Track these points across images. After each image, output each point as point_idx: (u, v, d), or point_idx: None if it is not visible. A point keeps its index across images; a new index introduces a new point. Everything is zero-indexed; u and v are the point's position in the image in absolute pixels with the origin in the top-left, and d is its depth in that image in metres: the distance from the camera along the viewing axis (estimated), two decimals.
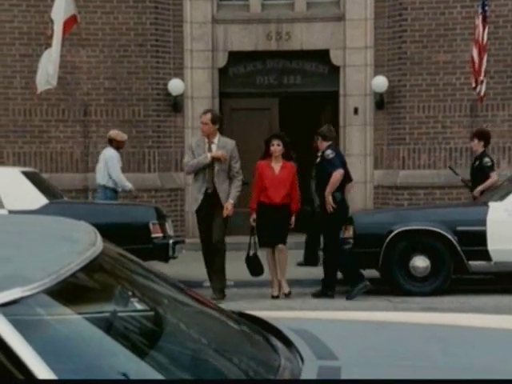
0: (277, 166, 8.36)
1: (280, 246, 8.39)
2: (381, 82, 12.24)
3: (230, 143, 8.34)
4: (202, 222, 8.31)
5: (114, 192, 10.13)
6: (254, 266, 8.50)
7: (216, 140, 8.22)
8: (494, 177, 9.48)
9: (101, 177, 10.09)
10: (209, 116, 8.26)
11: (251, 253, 8.51)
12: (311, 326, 2.67)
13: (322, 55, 12.80)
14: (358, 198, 12.42)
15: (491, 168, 9.53)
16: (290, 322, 2.70)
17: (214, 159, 8.16)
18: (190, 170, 8.40)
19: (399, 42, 12.35)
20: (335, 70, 12.88)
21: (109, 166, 9.97)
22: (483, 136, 9.85)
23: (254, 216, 8.42)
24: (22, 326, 1.73)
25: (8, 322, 1.70)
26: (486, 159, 9.56)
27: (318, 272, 9.47)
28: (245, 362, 2.27)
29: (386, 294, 8.39)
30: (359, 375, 2.17)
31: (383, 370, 2.24)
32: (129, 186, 10.22)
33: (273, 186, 8.28)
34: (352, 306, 7.72)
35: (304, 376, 2.10)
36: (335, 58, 12.77)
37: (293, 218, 8.43)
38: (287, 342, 2.42)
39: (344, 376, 2.12)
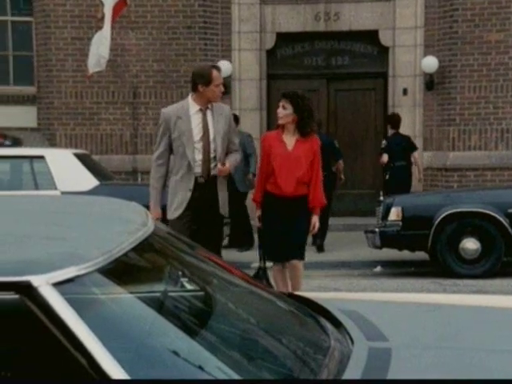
0: (290, 140, 5.77)
1: (294, 261, 5.86)
2: (431, 63, 12.05)
3: (227, 108, 5.81)
4: (185, 230, 5.30)
5: None
6: None
7: (209, 105, 5.54)
8: (382, 158, 10.56)
9: None
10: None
11: (260, 267, 6.24)
12: (361, 307, 2.67)
13: (371, 36, 12.64)
14: None
15: (383, 149, 10.59)
16: (340, 303, 2.70)
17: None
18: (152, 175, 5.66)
19: (450, 21, 12.12)
20: (384, 51, 12.72)
21: None
22: (389, 120, 11.08)
23: (259, 213, 5.92)
24: (77, 304, 1.77)
25: (64, 299, 1.74)
26: (383, 141, 10.78)
27: (365, 254, 9.46)
28: (294, 342, 2.28)
29: (436, 277, 8.32)
30: (410, 357, 2.16)
31: (434, 352, 2.22)
32: None
33: (283, 168, 5.71)
34: (401, 288, 7.68)
35: (354, 357, 2.10)
36: (384, 38, 12.60)
37: (314, 219, 5.82)
38: (337, 323, 2.42)
39: (395, 357, 2.11)
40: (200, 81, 5.47)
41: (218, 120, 5.50)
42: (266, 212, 5.85)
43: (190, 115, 5.47)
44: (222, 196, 5.52)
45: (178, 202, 5.44)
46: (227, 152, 5.56)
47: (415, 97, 12.51)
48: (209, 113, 5.50)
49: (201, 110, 5.49)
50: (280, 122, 5.79)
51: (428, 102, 12.45)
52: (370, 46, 12.85)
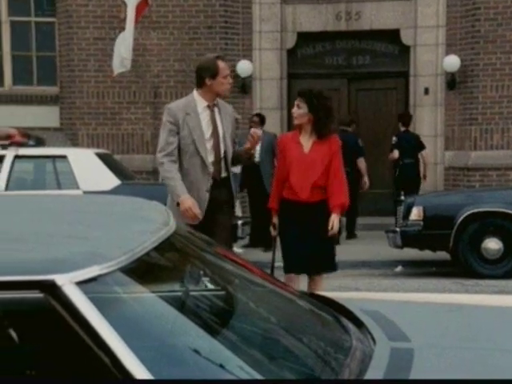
0: (307, 142, 5.31)
1: (317, 276, 5.39)
2: (453, 62, 11.99)
3: (231, 107, 5.50)
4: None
5: None
6: None
7: (216, 102, 5.22)
8: (393, 154, 10.89)
9: None
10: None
11: None
12: (382, 307, 2.66)
13: (393, 35, 12.59)
14: (428, 180, 12.23)
15: (394, 146, 10.89)
16: (361, 303, 2.69)
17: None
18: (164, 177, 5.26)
19: (472, 19, 12.04)
20: (406, 50, 12.66)
21: None
22: (401, 118, 11.28)
23: (276, 220, 5.44)
24: (100, 303, 1.78)
25: (87, 298, 1.75)
26: (393, 138, 11.07)
27: (385, 253, 9.42)
28: (315, 342, 2.28)
29: (458, 277, 8.27)
30: (432, 357, 2.15)
31: (456, 353, 2.22)
32: None
33: (298, 171, 5.25)
34: (423, 288, 7.64)
35: (376, 357, 2.09)
36: (406, 37, 12.55)
37: (333, 217, 5.19)
38: (358, 323, 2.42)
39: (417, 358, 2.10)
40: (206, 74, 5.10)
41: (226, 118, 5.19)
42: (283, 219, 5.37)
43: (199, 112, 5.11)
44: (235, 200, 5.27)
45: (198, 198, 5.01)
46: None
47: (437, 96, 12.44)
48: (216, 110, 5.16)
49: (208, 106, 5.14)
50: (295, 122, 5.38)
51: (450, 101, 12.38)
52: (391, 45, 12.80)
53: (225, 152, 5.11)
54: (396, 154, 10.85)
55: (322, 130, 5.26)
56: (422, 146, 11.12)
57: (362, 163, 10.87)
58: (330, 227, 5.18)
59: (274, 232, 5.46)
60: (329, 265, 5.38)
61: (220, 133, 5.12)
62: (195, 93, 5.20)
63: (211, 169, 5.05)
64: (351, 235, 11.03)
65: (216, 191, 5.07)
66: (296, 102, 5.33)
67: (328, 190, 5.24)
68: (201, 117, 5.09)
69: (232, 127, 5.21)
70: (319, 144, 5.27)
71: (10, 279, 1.76)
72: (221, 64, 5.14)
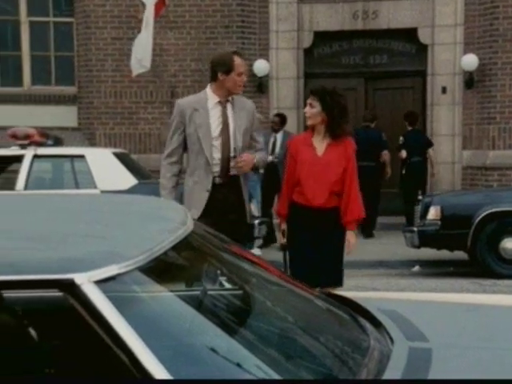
0: (320, 144, 4.93)
1: (329, 289, 4.49)
2: (471, 61, 11.92)
3: (250, 103, 5.10)
4: None
5: None
6: None
7: (230, 97, 4.89)
8: (401, 153, 11.05)
9: None
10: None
11: None
12: (400, 307, 2.66)
13: (410, 34, 12.54)
14: (446, 179, 12.18)
15: (401, 145, 11.07)
16: (379, 303, 2.68)
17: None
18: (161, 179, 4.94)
19: (491, 18, 11.96)
20: (423, 49, 12.60)
21: None
22: (407, 118, 11.38)
23: (284, 227, 5.07)
24: (118, 302, 1.79)
25: (105, 297, 1.76)
26: (400, 138, 11.20)
27: (403, 253, 9.39)
28: (333, 341, 2.28)
29: (476, 277, 8.23)
30: (450, 357, 2.14)
31: (474, 353, 2.21)
32: None
33: (311, 176, 4.88)
34: (440, 288, 7.61)
35: (394, 357, 2.09)
36: (423, 36, 12.49)
37: (349, 235, 4.91)
38: (376, 323, 2.41)
39: (435, 358, 2.10)
40: (220, 68, 4.79)
41: (240, 115, 4.84)
42: (292, 225, 4.98)
43: (209, 108, 4.81)
44: (246, 200, 4.89)
45: (195, 204, 4.72)
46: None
47: (454, 95, 12.38)
48: (229, 106, 4.84)
49: (220, 102, 4.82)
50: (308, 122, 4.97)
51: (467, 100, 12.32)
52: (408, 44, 12.75)
53: (235, 151, 4.78)
54: (404, 153, 11.02)
55: (336, 131, 4.86)
56: (430, 144, 11.32)
57: (386, 155, 11.09)
58: (347, 246, 4.87)
59: (282, 240, 5.11)
60: (335, 279, 4.93)
61: (231, 130, 4.82)
62: (208, 88, 4.92)
63: (215, 168, 4.77)
64: (369, 234, 11.04)
65: (224, 191, 4.77)
66: (308, 101, 4.93)
67: (343, 199, 4.88)
68: (211, 113, 4.81)
69: (248, 123, 4.87)
70: (334, 146, 4.89)
71: (30, 278, 1.77)
72: (237, 60, 4.83)
